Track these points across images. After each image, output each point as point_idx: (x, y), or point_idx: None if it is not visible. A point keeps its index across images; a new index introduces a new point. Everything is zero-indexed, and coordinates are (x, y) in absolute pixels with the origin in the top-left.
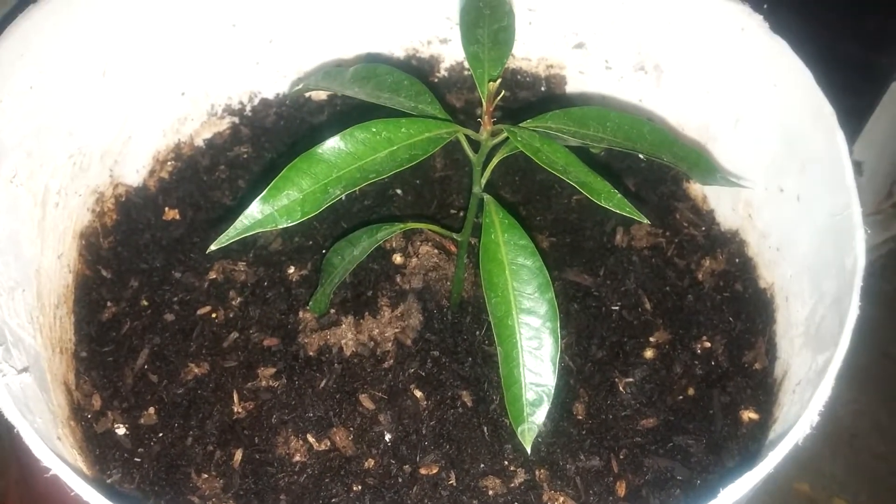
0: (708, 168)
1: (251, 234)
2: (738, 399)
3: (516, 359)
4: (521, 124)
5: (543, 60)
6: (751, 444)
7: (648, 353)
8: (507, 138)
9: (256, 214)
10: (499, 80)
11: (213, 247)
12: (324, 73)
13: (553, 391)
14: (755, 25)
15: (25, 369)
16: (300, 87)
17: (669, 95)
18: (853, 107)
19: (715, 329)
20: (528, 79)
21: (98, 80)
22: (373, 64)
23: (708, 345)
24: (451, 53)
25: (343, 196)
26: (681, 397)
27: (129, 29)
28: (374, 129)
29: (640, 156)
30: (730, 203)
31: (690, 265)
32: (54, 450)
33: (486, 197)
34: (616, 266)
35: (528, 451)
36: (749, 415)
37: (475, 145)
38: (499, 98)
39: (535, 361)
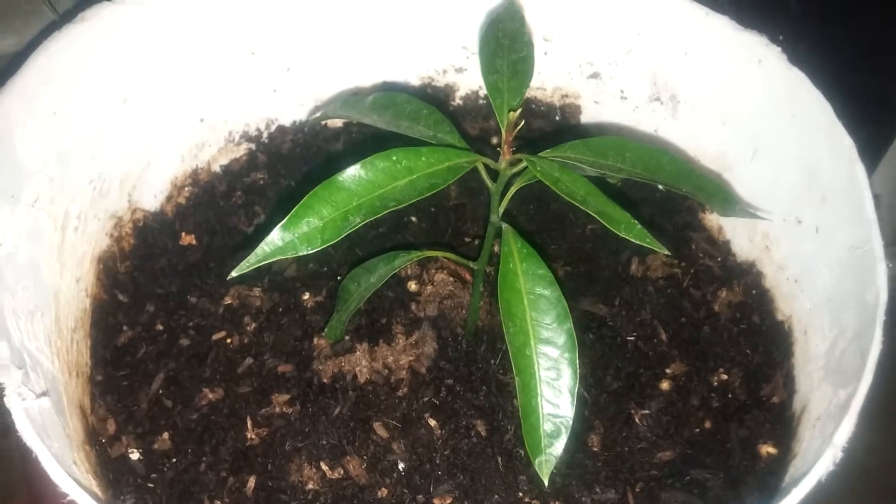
0: (727, 199)
1: (269, 261)
2: (756, 433)
3: (534, 389)
4: (540, 154)
5: (558, 90)
6: (769, 479)
7: (664, 385)
8: (526, 167)
9: (277, 242)
10: (519, 110)
11: (234, 273)
12: (342, 101)
13: (571, 423)
14: (773, 57)
15: (45, 393)
16: (319, 114)
17: (686, 126)
18: (870, 139)
19: (732, 361)
20: (542, 108)
21: (119, 107)
22: (391, 93)
23: (725, 377)
24: (466, 82)
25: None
26: (697, 430)
27: (149, 56)
28: (394, 158)
29: (660, 186)
30: (746, 234)
31: (706, 296)
32: (70, 474)
33: (505, 226)
34: (631, 296)
35: (546, 483)
36: (767, 449)
37: (493, 174)
38: (519, 127)
39: (553, 392)
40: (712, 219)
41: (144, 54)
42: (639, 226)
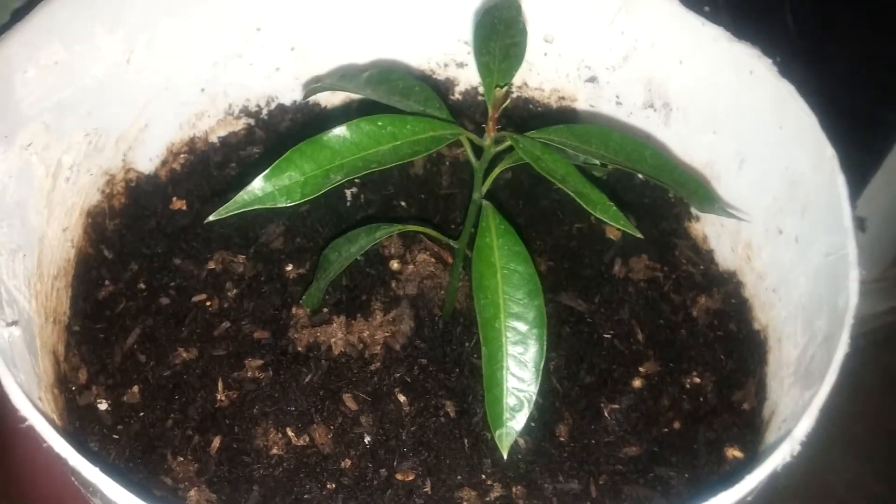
0: (707, 196)
1: (250, 210)
2: (723, 436)
3: (500, 361)
4: (525, 134)
5: (556, 92)
6: (733, 482)
7: (637, 383)
8: (511, 148)
9: (257, 191)
10: (506, 88)
11: (211, 217)
12: (340, 75)
13: (534, 397)
14: (763, 68)
15: (15, 322)
16: (317, 85)
17: (677, 133)
18: (860, 161)
19: (706, 366)
20: (539, 108)
21: (122, 66)
22: (387, 69)
23: (697, 380)
24: (466, 77)
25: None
26: (666, 429)
27: (156, 20)
28: (379, 123)
29: (640, 177)
30: (729, 243)
31: (686, 301)
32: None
33: (485, 203)
34: (611, 295)
35: (505, 455)
36: (734, 453)
37: (479, 153)
38: (505, 105)
39: (518, 366)
40: (698, 227)
41: (151, 17)
42: (614, 207)
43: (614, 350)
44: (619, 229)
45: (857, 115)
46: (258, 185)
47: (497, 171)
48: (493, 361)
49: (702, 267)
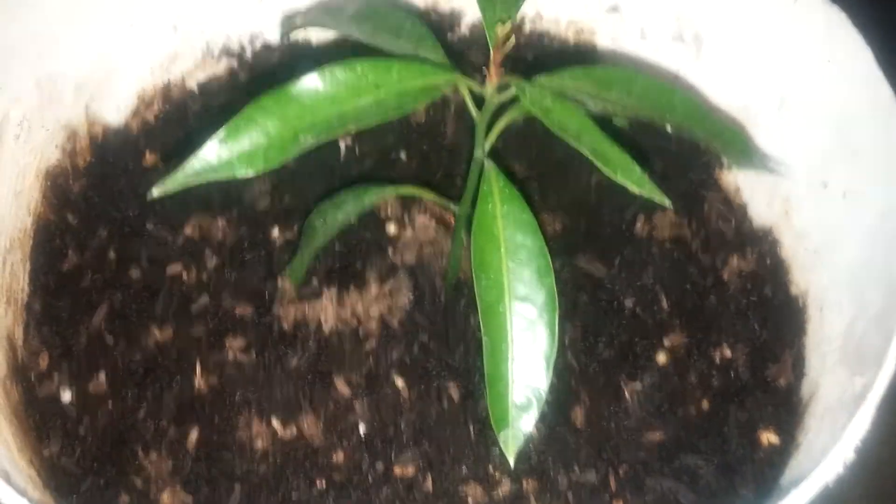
0: (745, 148)
1: (202, 182)
2: (757, 417)
3: (505, 352)
4: (534, 80)
5: (573, 24)
6: (768, 471)
7: (661, 358)
8: (515, 97)
9: (211, 158)
10: (510, 24)
11: (154, 192)
12: (324, 7)
13: (546, 395)
14: None
15: None
16: (295, 20)
17: (709, 70)
18: None
19: (737, 336)
20: (555, 43)
21: (78, 1)
22: (376, 2)
23: (728, 353)
24: (473, 9)
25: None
26: (693, 411)
27: None
28: (359, 70)
29: (668, 129)
30: (765, 197)
31: (716, 263)
32: None
33: (487, 162)
34: (633, 257)
35: (512, 462)
36: (769, 437)
37: (481, 103)
38: (509, 45)
39: (527, 358)
40: (730, 178)
41: None
42: (639, 170)
43: (636, 320)
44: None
45: None
46: (212, 149)
47: (501, 124)
48: (496, 353)
49: (734, 223)
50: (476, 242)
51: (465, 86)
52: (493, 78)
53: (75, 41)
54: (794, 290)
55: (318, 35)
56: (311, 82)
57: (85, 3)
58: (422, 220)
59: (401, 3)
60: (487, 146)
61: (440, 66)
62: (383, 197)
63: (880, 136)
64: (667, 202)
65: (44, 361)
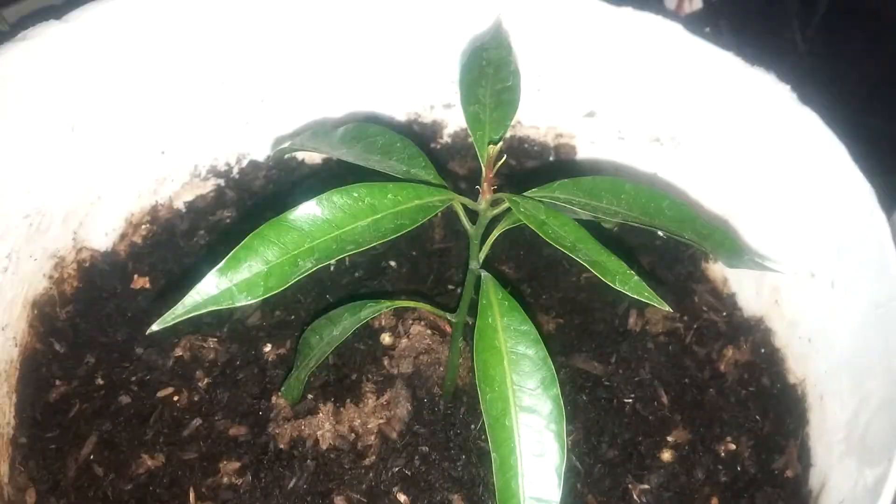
0: (734, 248)
1: (204, 312)
2: None
3: (514, 467)
4: (525, 193)
5: (553, 129)
6: None
7: (666, 455)
8: (510, 209)
9: (211, 289)
10: (500, 144)
11: (154, 327)
12: (312, 132)
13: None
14: (782, 96)
15: None
16: (286, 145)
17: (687, 168)
18: (888, 187)
19: (740, 428)
20: (535, 148)
21: (65, 135)
22: (364, 123)
23: (733, 447)
24: (454, 119)
25: (332, 262)
26: None
27: (103, 81)
28: (355, 195)
29: (660, 233)
30: (754, 287)
31: (711, 354)
32: None
33: (484, 274)
34: (629, 353)
35: None
36: None
37: (473, 217)
38: (501, 164)
39: (536, 471)
40: (716, 269)
41: (97, 79)
42: (635, 277)
43: (638, 417)
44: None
45: (878, 136)
46: (212, 281)
47: (494, 235)
48: (505, 468)
49: (725, 314)
50: (479, 356)
51: (458, 203)
52: (486, 194)
53: (64, 172)
54: (791, 378)
55: (303, 152)
56: (309, 209)
57: (70, 137)
58: (416, 328)
59: (384, 117)
60: (481, 257)
61: (434, 186)
62: (379, 311)
63: (862, 228)
64: (666, 308)
65: (30, 498)
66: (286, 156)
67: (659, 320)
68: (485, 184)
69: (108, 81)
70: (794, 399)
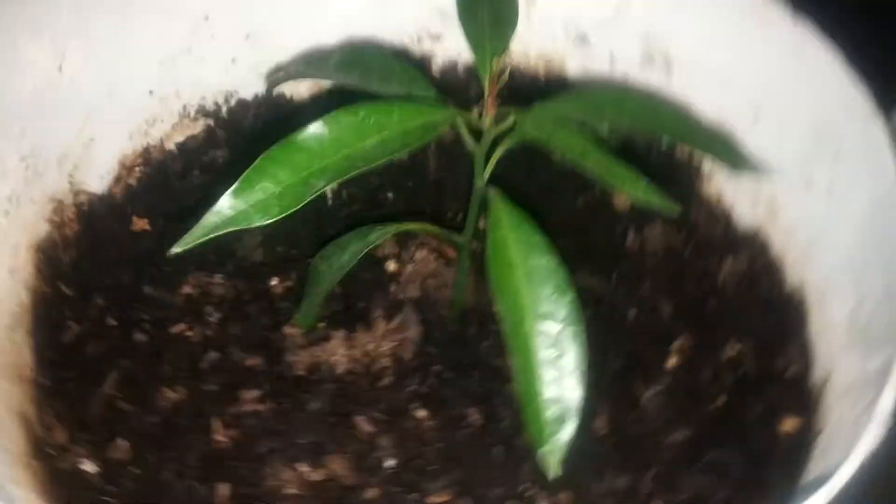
0: (736, 155)
1: (221, 233)
2: (775, 407)
3: (534, 371)
4: (531, 108)
5: (542, 56)
6: (794, 456)
7: (671, 362)
8: (512, 126)
9: (227, 211)
10: (504, 57)
11: (175, 249)
12: (305, 60)
13: (580, 405)
14: (775, 9)
15: None
16: (280, 74)
17: (681, 89)
18: (885, 88)
19: (742, 333)
20: (527, 75)
21: (54, 75)
22: (360, 47)
23: (735, 350)
24: (443, 51)
25: (329, 196)
26: (711, 408)
27: (89, 17)
28: (361, 114)
29: (665, 142)
30: (749, 201)
31: (710, 267)
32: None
33: (491, 190)
34: (629, 270)
35: (552, 476)
36: (790, 424)
37: (477, 137)
38: (504, 78)
39: (555, 373)
40: (711, 187)
41: (83, 14)
42: (645, 182)
43: (642, 329)
44: (627, 197)
45: (875, 42)
46: (227, 203)
47: (498, 153)
48: (526, 373)
49: (721, 229)
50: (492, 269)
51: (462, 121)
52: (490, 110)
53: (55, 114)
54: (790, 284)
55: (292, 88)
56: (316, 129)
57: (60, 77)
58: (421, 254)
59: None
60: (486, 176)
61: (438, 104)
62: (387, 234)
63: (858, 133)
64: (676, 209)
65: (60, 435)
66: (275, 93)
67: (657, 238)
68: (489, 99)
69: (92, 17)
70: (793, 303)
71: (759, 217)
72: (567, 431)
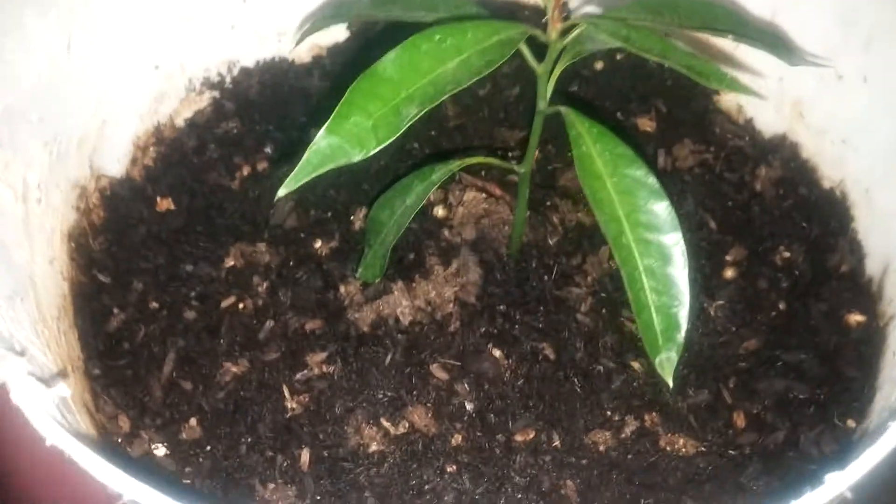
0: (787, 46)
1: (322, 172)
2: (837, 304)
3: (639, 280)
4: (601, 17)
5: None
6: (863, 348)
7: (729, 273)
8: (578, 38)
9: (324, 148)
10: None
11: (281, 192)
12: (333, 7)
13: (687, 311)
14: None
15: (62, 374)
16: (307, 27)
17: None
18: None
19: (790, 237)
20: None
21: (63, 55)
22: None
23: (787, 255)
24: None
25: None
26: (774, 313)
27: None
28: (437, 38)
29: (728, 37)
30: (772, 107)
31: (745, 177)
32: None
33: (564, 109)
34: (668, 190)
35: (670, 384)
36: (855, 318)
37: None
38: None
39: (657, 281)
40: (729, 100)
41: None
42: (729, 75)
43: (693, 245)
44: (650, 120)
45: None
46: (323, 141)
47: (559, 69)
48: (633, 282)
49: (748, 138)
50: (585, 183)
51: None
52: (556, 24)
53: (68, 96)
54: (827, 182)
55: (293, 53)
56: (395, 57)
57: (68, 57)
58: (469, 195)
59: None
60: (549, 94)
61: (507, 21)
62: (451, 171)
63: (890, 18)
64: (762, 96)
65: (124, 423)
66: (277, 55)
67: (687, 155)
68: (555, 12)
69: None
70: (834, 200)
71: (785, 120)
72: (677, 338)
